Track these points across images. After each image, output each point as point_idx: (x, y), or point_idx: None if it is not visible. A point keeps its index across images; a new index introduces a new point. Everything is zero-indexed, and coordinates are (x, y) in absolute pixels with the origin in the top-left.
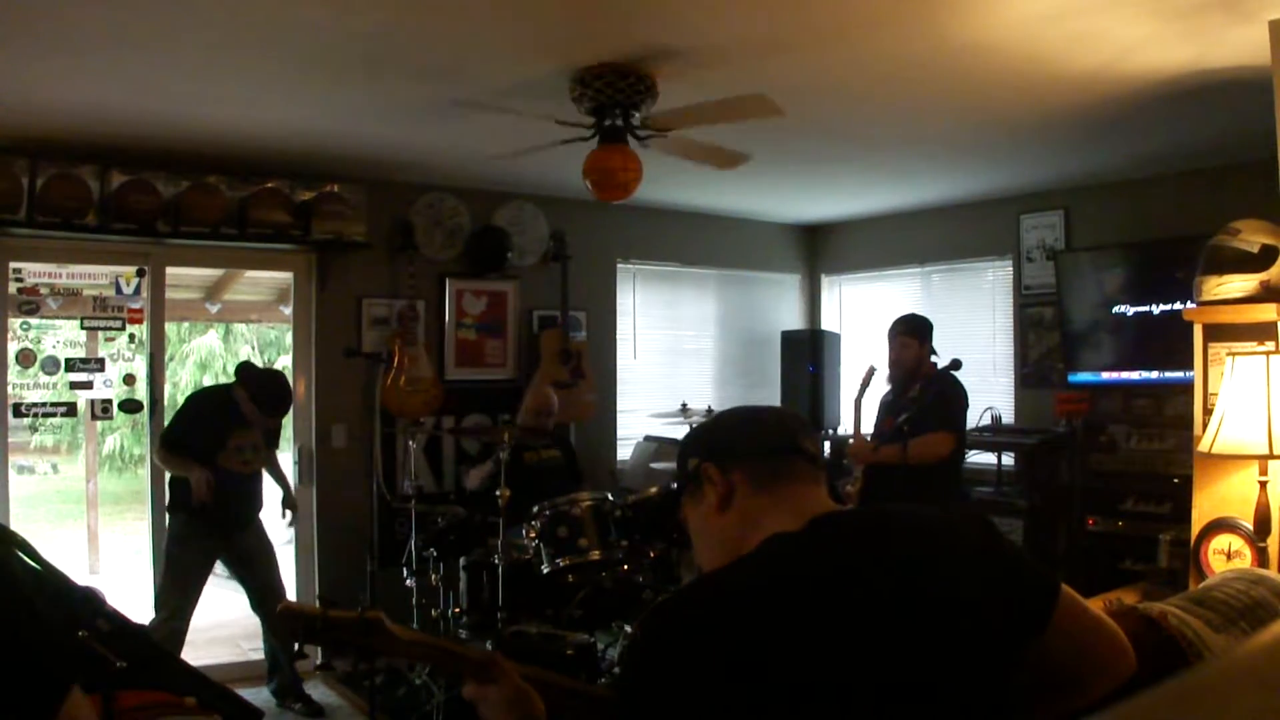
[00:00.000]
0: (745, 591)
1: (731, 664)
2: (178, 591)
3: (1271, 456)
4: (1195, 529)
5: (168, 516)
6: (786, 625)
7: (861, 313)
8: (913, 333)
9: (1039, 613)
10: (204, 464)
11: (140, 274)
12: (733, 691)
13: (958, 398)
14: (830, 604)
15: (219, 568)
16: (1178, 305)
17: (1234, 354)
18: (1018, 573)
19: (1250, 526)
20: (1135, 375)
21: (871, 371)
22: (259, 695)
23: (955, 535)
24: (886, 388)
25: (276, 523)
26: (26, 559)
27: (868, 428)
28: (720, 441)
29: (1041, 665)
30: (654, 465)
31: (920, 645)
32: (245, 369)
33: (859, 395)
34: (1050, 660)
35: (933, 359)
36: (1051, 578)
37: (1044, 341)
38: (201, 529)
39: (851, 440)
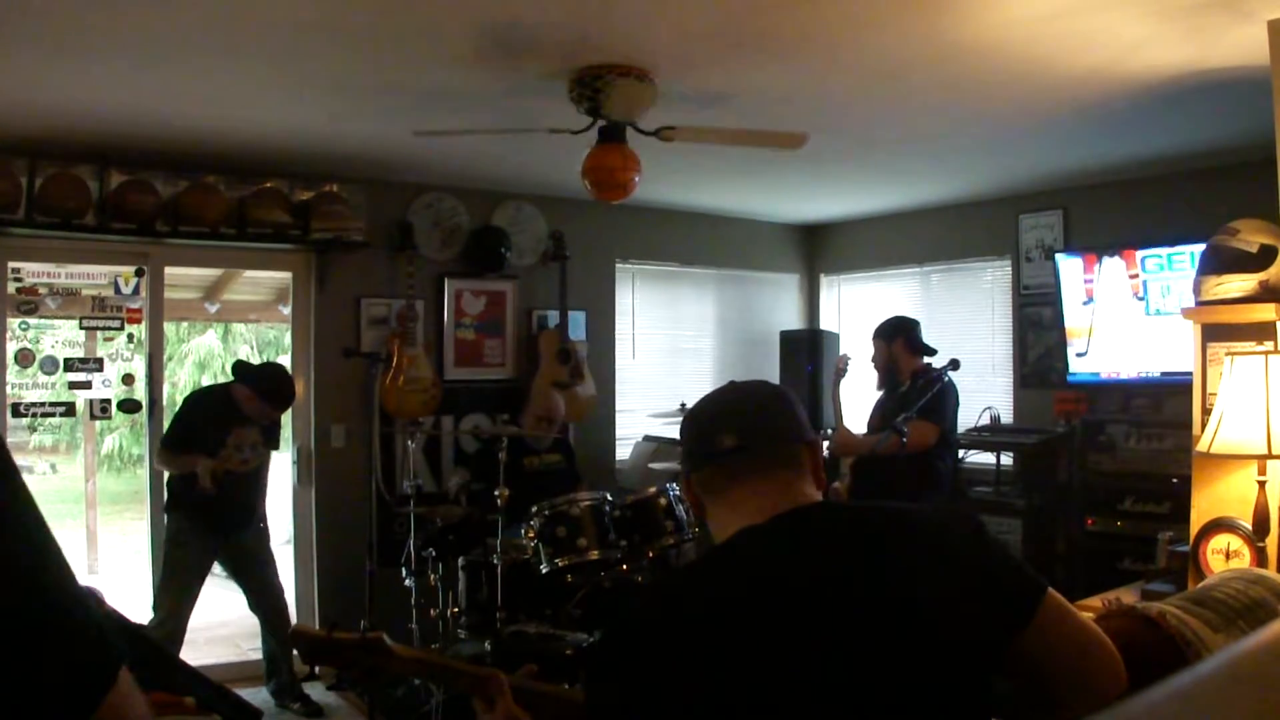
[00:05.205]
0: (695, 589)
1: (683, 663)
2: (175, 592)
3: (1270, 456)
4: (1194, 529)
5: (165, 516)
6: (741, 622)
7: (860, 313)
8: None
9: (1020, 611)
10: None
11: (139, 274)
12: (684, 690)
13: (943, 394)
14: (789, 600)
15: (216, 568)
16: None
17: (1233, 354)
18: (1002, 571)
19: (1249, 526)
20: (1134, 375)
21: (845, 360)
22: (258, 695)
23: (938, 532)
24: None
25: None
26: None
27: (848, 418)
28: (681, 449)
29: (1019, 672)
30: (653, 465)
31: (888, 642)
32: (242, 366)
33: (835, 384)
34: (1029, 667)
35: (925, 360)
36: (1037, 579)
37: (1043, 341)
38: (199, 529)
39: (835, 432)
